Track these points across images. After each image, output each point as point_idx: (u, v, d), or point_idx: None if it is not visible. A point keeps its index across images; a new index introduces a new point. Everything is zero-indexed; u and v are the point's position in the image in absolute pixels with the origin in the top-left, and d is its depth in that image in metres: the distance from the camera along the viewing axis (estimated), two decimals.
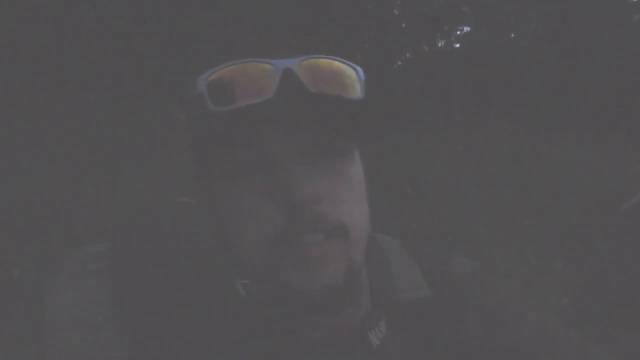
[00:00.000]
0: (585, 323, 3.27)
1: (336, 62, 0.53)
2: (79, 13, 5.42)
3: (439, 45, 9.42)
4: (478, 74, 8.22)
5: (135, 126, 4.43)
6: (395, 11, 8.79)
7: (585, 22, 8.26)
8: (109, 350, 0.60)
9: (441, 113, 6.60)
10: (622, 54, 7.86)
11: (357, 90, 0.52)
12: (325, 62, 0.53)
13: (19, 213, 2.94)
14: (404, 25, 8.77)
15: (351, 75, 0.53)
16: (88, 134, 4.14)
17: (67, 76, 4.82)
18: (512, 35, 9.18)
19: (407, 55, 9.27)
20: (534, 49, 8.43)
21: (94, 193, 3.35)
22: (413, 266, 0.74)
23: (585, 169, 5.53)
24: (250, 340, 0.52)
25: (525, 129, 6.34)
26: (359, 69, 0.54)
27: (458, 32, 9.45)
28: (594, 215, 4.56)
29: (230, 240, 0.52)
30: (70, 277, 0.64)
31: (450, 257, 3.56)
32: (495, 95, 7.65)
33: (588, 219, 4.53)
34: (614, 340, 3.02)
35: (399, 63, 9.25)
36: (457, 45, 9.51)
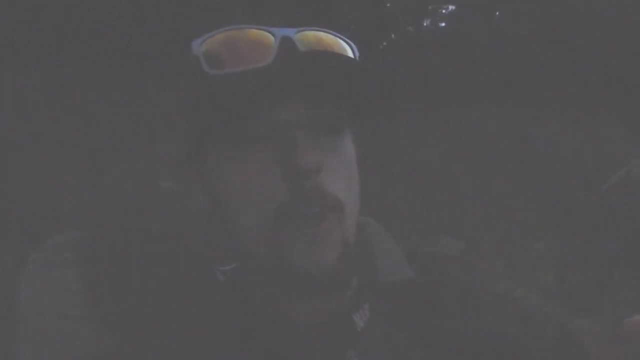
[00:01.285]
0: (570, 299, 3.33)
1: (332, 35, 0.53)
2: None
3: (425, 25, 9.38)
4: (464, 54, 8.21)
5: (118, 113, 4.36)
6: None
7: (570, 0, 8.27)
8: (83, 341, 0.58)
9: (426, 94, 6.59)
10: (608, 33, 7.90)
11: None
12: (322, 34, 0.52)
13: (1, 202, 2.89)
14: (388, 5, 8.70)
15: (347, 50, 0.53)
16: (68, 123, 4.07)
17: (46, 62, 4.71)
18: (497, 13, 9.16)
19: (392, 35, 9.21)
20: (519, 28, 8.43)
21: (75, 182, 3.30)
22: (395, 248, 0.73)
23: (569, 150, 5.59)
24: (229, 326, 0.51)
25: (510, 108, 6.37)
26: (354, 46, 0.54)
27: (443, 11, 9.40)
28: (577, 195, 4.62)
29: (227, 218, 0.51)
30: (41, 267, 0.62)
31: (437, 238, 3.58)
32: (481, 77, 7.66)
33: (571, 199, 4.59)
34: (597, 315, 3.08)
35: (384, 44, 9.20)
36: (443, 25, 9.47)
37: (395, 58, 7.74)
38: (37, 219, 2.71)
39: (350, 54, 0.53)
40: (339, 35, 0.54)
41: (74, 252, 0.64)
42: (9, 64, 4.42)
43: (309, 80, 0.48)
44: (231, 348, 0.49)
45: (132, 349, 0.51)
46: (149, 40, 5.38)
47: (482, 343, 0.54)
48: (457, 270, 3.33)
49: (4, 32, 4.90)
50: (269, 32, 0.50)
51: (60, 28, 5.17)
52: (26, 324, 0.58)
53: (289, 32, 0.50)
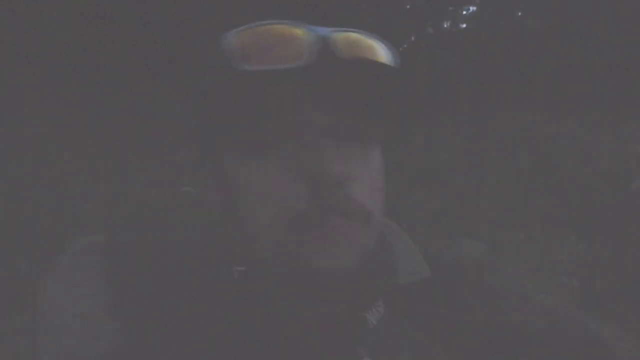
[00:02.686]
0: (597, 305, 3.25)
1: (369, 37, 0.51)
2: (77, 4, 5.39)
3: (445, 26, 9.30)
4: (485, 55, 8.12)
5: (139, 119, 4.43)
6: None
7: (593, 0, 8.11)
8: (104, 342, 0.59)
9: (447, 96, 6.53)
10: (633, 32, 7.72)
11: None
12: (360, 36, 0.50)
13: (25, 207, 2.96)
14: (408, 7, 8.66)
15: (387, 53, 0.51)
16: (91, 129, 4.15)
17: (68, 70, 4.81)
18: (519, 13, 9.04)
19: (412, 38, 9.16)
20: (541, 28, 8.30)
21: (99, 187, 3.36)
22: (413, 249, 0.72)
23: (594, 150, 5.47)
24: (241, 324, 0.51)
25: (533, 110, 6.27)
26: (394, 48, 0.52)
27: (464, 12, 9.31)
28: (604, 195, 4.52)
29: (243, 219, 0.50)
30: (64, 269, 0.63)
31: (457, 241, 3.54)
32: (502, 77, 7.56)
33: (597, 200, 4.49)
34: (625, 321, 3.00)
35: (405, 46, 9.15)
36: (463, 26, 9.38)
37: (416, 60, 7.70)
38: (61, 223, 2.77)
39: (388, 57, 0.51)
40: (377, 37, 0.51)
41: (96, 254, 0.65)
42: (34, 74, 4.53)
43: (344, 88, 0.47)
44: (242, 345, 0.49)
45: (150, 347, 0.52)
46: (168, 47, 5.46)
47: (504, 340, 0.53)
48: (478, 273, 3.29)
49: (28, 44, 5.02)
50: (307, 29, 0.48)
51: (84, 38, 5.28)
52: (48, 324, 0.60)
53: (325, 31, 0.48)
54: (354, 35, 0.50)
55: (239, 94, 0.47)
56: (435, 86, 6.81)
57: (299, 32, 0.47)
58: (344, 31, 0.49)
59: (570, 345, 0.54)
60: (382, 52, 0.51)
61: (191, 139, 0.55)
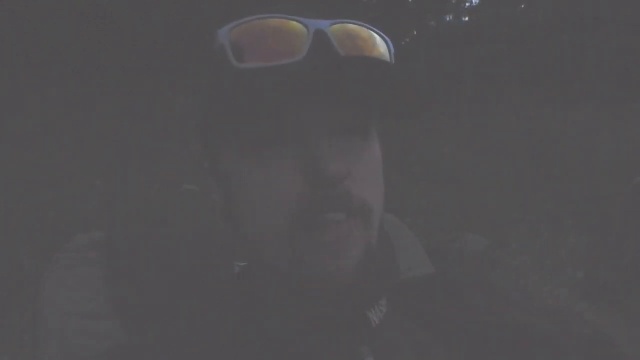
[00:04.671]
0: (601, 297, 3.24)
1: (367, 29, 0.50)
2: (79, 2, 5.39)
3: (447, 20, 9.26)
4: (487, 48, 8.07)
5: (143, 117, 4.43)
6: None
7: None
8: (105, 338, 0.59)
9: (451, 89, 6.51)
10: (637, 25, 7.66)
11: (388, 60, 0.50)
12: (357, 28, 0.49)
13: (29, 204, 2.97)
14: (410, 0, 8.62)
15: (382, 44, 0.50)
16: (94, 126, 4.16)
17: (71, 68, 4.82)
18: (522, 6, 8.98)
19: (415, 32, 9.12)
20: (544, 20, 8.25)
21: (101, 184, 3.37)
22: (416, 244, 0.72)
23: (598, 143, 5.45)
24: (242, 321, 0.50)
25: (536, 102, 6.24)
26: (389, 40, 0.50)
27: (466, 5, 9.27)
28: (608, 188, 4.50)
29: (243, 219, 0.49)
30: (64, 266, 0.63)
31: (461, 235, 3.53)
32: (505, 69, 7.52)
33: (601, 192, 4.47)
34: (629, 313, 2.99)
35: (407, 40, 9.11)
36: (466, 19, 9.33)
37: (418, 54, 7.66)
38: (63, 219, 2.78)
39: (385, 48, 0.50)
40: (373, 29, 0.50)
41: (98, 251, 0.65)
42: (37, 72, 4.54)
43: (342, 84, 0.45)
44: (243, 343, 0.49)
45: (151, 345, 0.51)
46: (171, 44, 5.45)
47: (508, 338, 0.52)
48: (481, 267, 3.28)
49: (32, 43, 5.03)
50: (303, 23, 0.46)
51: (87, 36, 5.28)
52: (49, 321, 0.59)
53: (323, 24, 0.47)
54: (351, 27, 0.48)
55: (234, 93, 0.46)
56: (437, 80, 6.79)
57: (295, 26, 0.46)
58: (342, 22, 0.48)
59: (575, 343, 0.53)
60: (379, 44, 0.50)
61: (193, 138, 0.54)
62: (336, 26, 0.48)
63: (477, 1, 9.15)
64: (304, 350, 0.48)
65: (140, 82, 4.77)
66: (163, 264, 0.62)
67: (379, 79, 0.45)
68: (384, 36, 0.50)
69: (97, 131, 4.09)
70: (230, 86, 0.47)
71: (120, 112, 4.49)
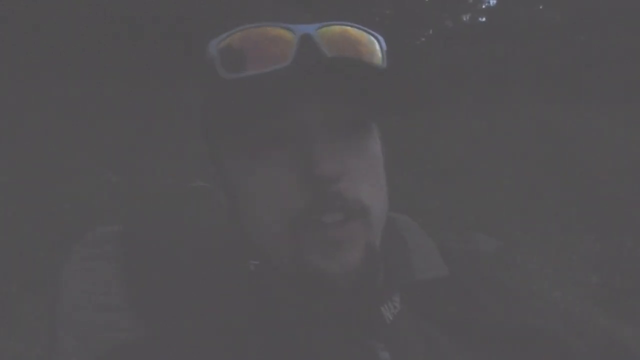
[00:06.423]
0: (615, 302, 3.20)
1: (356, 29, 0.50)
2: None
3: (464, 19, 9.18)
4: (504, 48, 7.99)
5: (156, 113, 4.47)
6: None
7: None
8: (121, 331, 0.59)
9: (464, 89, 6.46)
10: None
11: (379, 59, 0.49)
12: (345, 29, 0.49)
13: (44, 197, 3.01)
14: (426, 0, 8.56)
15: (372, 44, 0.50)
16: (108, 122, 4.20)
17: (84, 63, 4.87)
18: (540, 7, 8.87)
19: (430, 31, 9.06)
20: (561, 21, 8.14)
21: (115, 178, 3.40)
22: (431, 246, 0.71)
23: (613, 145, 5.38)
24: (259, 316, 0.51)
25: (551, 104, 6.17)
26: (381, 38, 0.51)
27: (483, 6, 9.18)
28: (622, 191, 4.44)
29: (245, 220, 0.50)
30: (81, 259, 0.64)
31: (472, 235, 3.51)
32: (520, 71, 7.44)
33: (616, 196, 4.41)
34: None
35: (422, 39, 9.06)
36: (483, 19, 9.24)
37: (432, 53, 7.62)
38: (77, 212, 2.82)
39: (377, 47, 0.50)
40: (364, 28, 0.50)
41: (114, 244, 0.65)
42: (51, 69, 4.60)
43: (330, 85, 0.46)
44: (258, 337, 0.49)
45: (166, 338, 0.52)
46: (184, 40, 5.48)
47: (520, 339, 0.52)
48: (493, 268, 3.26)
49: (44, 40, 5.08)
50: (288, 29, 0.47)
51: (98, 32, 5.32)
52: (66, 312, 0.60)
53: (310, 28, 0.47)
54: (340, 29, 0.49)
55: (225, 103, 0.47)
56: (452, 79, 6.74)
57: (281, 32, 0.47)
58: (330, 25, 0.48)
59: (590, 350, 0.53)
60: (369, 43, 0.50)
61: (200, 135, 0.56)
62: (323, 29, 0.48)
63: (495, 1, 9.06)
64: (318, 346, 0.48)
65: (155, 78, 4.80)
66: (179, 259, 0.63)
67: (364, 79, 0.46)
68: (376, 34, 0.51)
69: (111, 126, 4.13)
70: (221, 96, 0.48)
71: (134, 108, 4.53)
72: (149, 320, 0.60)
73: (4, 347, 2.16)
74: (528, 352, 0.51)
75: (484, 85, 6.87)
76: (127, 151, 3.81)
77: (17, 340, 2.19)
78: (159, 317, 0.59)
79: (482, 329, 0.53)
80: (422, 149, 4.63)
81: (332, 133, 0.47)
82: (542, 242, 3.85)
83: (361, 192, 0.47)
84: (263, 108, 0.46)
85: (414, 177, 4.04)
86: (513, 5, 8.64)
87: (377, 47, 0.50)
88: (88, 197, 3.03)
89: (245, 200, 0.49)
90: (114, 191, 3.19)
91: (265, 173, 0.47)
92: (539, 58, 7.72)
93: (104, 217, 2.73)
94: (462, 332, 0.53)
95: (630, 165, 4.88)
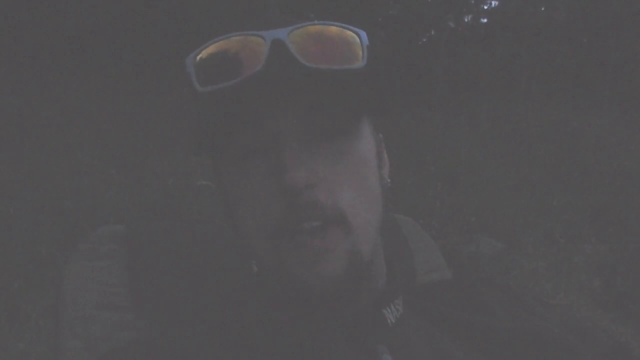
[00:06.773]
0: (617, 305, 3.19)
1: (333, 27, 0.48)
2: None
3: (465, 20, 9.17)
4: (506, 49, 7.98)
5: (160, 112, 4.47)
6: None
7: None
8: (124, 331, 0.59)
9: (467, 90, 6.45)
10: None
11: (357, 57, 0.48)
12: (320, 28, 0.48)
13: (48, 195, 3.02)
14: (429, 0, 8.55)
15: (351, 41, 0.49)
16: (112, 120, 4.21)
17: (91, 61, 4.88)
18: (542, 8, 8.85)
19: (432, 32, 9.06)
20: (565, 22, 8.12)
21: (118, 176, 3.41)
22: (433, 247, 0.72)
23: (618, 147, 5.36)
24: (262, 318, 0.51)
25: (555, 106, 6.16)
26: (363, 33, 0.49)
27: (485, 7, 9.17)
28: (626, 195, 4.42)
29: (236, 225, 0.50)
30: (84, 258, 0.64)
31: (476, 238, 3.50)
32: (524, 71, 7.43)
33: (620, 199, 4.40)
34: None
35: (424, 40, 9.06)
36: (485, 20, 9.24)
37: (436, 54, 7.61)
38: (79, 209, 2.82)
39: (357, 43, 0.49)
40: (343, 25, 0.49)
41: (118, 243, 0.66)
42: (55, 67, 4.61)
43: (304, 91, 0.45)
44: (262, 339, 0.50)
45: (171, 338, 0.52)
46: (190, 40, 5.48)
47: (527, 345, 0.52)
48: (496, 271, 3.25)
49: (49, 34, 5.10)
50: (259, 36, 0.47)
51: (107, 33, 5.34)
52: (70, 311, 0.60)
53: (281, 33, 0.47)
54: (313, 30, 0.48)
55: (204, 115, 0.48)
56: (455, 80, 6.73)
57: (252, 40, 0.47)
58: (303, 26, 0.47)
59: (594, 355, 0.52)
60: (347, 40, 0.49)
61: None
62: (295, 32, 0.47)
63: (497, 2, 9.05)
64: (321, 348, 0.48)
65: (159, 76, 4.81)
66: (183, 258, 0.63)
67: (337, 84, 0.45)
68: (356, 30, 0.49)
69: (115, 125, 4.13)
70: (200, 110, 0.49)
71: (138, 107, 4.54)
72: (153, 319, 0.60)
73: (6, 345, 2.17)
74: (531, 355, 0.51)
75: (488, 87, 6.85)
76: (131, 150, 3.82)
77: (19, 338, 2.19)
78: (162, 316, 0.60)
79: (485, 331, 0.53)
80: (425, 150, 4.62)
81: (307, 140, 0.46)
82: (545, 245, 3.84)
83: (340, 198, 0.46)
84: (237, 119, 0.46)
85: (417, 178, 4.03)
86: (515, 7, 8.63)
87: (358, 43, 0.49)
88: (92, 195, 3.03)
89: (235, 207, 0.50)
90: (118, 190, 3.19)
91: (247, 183, 0.47)
92: (541, 59, 7.70)
93: (108, 216, 2.73)
94: (465, 334, 0.53)
95: (635, 168, 4.87)
